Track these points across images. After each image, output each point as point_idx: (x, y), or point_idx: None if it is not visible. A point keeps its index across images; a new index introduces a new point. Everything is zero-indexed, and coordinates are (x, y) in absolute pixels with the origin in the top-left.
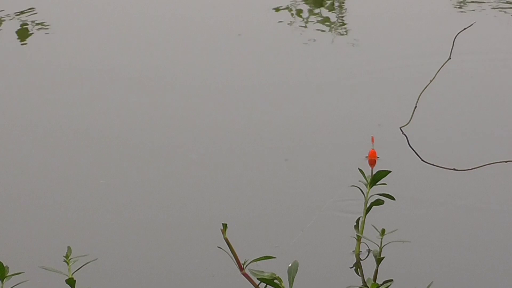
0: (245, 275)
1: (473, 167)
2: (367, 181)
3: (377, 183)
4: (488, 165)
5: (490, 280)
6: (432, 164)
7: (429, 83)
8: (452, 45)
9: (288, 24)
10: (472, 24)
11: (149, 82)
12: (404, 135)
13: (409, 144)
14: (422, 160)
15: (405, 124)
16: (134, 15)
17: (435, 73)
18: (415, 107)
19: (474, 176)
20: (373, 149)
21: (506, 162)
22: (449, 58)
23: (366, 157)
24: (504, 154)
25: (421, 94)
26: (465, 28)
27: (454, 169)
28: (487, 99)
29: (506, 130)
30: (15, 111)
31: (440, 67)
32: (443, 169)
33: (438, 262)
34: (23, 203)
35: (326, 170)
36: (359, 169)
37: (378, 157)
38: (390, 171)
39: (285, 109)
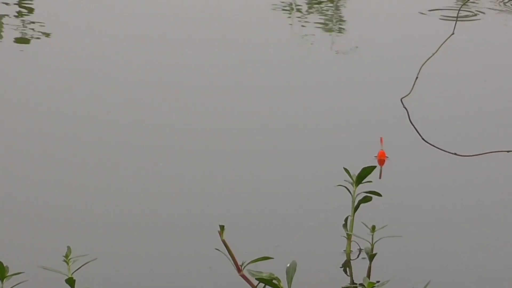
0: (243, 276)
1: (475, 153)
2: (352, 179)
3: (363, 181)
4: (490, 153)
5: (489, 278)
6: (433, 145)
7: (431, 56)
8: (456, 20)
9: (289, 24)
10: None
11: (149, 83)
12: (405, 108)
13: (409, 120)
14: (423, 139)
15: (406, 95)
16: (133, 16)
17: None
18: (416, 77)
19: (475, 163)
20: (382, 149)
21: (508, 152)
22: (453, 33)
23: (375, 156)
24: (508, 143)
25: (422, 65)
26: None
27: (456, 154)
28: (494, 89)
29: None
30: (15, 111)
31: (443, 42)
32: (444, 151)
33: (433, 258)
34: (23, 203)
35: (332, 171)
36: (344, 168)
37: (387, 157)
38: (375, 167)
39: (289, 109)
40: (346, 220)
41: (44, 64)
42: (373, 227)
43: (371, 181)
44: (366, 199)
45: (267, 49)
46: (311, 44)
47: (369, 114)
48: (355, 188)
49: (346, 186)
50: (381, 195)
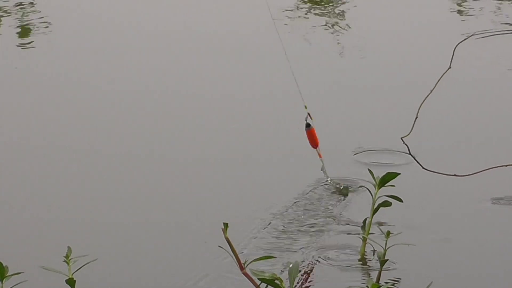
0: (246, 274)
1: (473, 172)
2: (375, 182)
3: (386, 185)
4: (488, 170)
5: (490, 282)
6: (433, 171)
7: (429, 94)
8: (452, 55)
9: (290, 27)
10: (472, 35)
11: (149, 87)
12: (405, 144)
13: (410, 153)
14: (423, 168)
15: (406, 134)
16: (132, 19)
17: (435, 81)
18: (416, 117)
19: (475, 181)
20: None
21: (506, 166)
22: (449, 67)
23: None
24: (504, 158)
25: (421, 104)
26: (464, 39)
27: (455, 175)
28: (485, 105)
29: (505, 135)
30: (14, 113)
31: (440, 76)
32: (444, 175)
33: (439, 265)
34: (23, 203)
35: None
36: (368, 169)
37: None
38: (399, 173)
39: (282, 113)
40: (364, 222)
41: (39, 71)
42: (388, 233)
43: (394, 185)
44: (386, 204)
45: (268, 53)
46: (312, 45)
47: (368, 115)
48: (377, 191)
49: (368, 188)
50: (402, 201)
